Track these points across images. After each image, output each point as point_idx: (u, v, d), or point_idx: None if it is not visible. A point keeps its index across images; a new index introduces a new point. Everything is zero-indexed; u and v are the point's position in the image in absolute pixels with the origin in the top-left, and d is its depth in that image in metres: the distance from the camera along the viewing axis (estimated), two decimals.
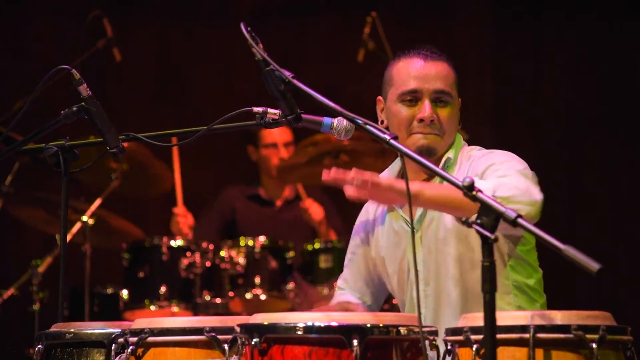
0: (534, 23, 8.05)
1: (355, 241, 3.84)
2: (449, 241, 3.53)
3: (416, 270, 3.03)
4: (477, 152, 3.63)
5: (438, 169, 2.99)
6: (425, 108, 3.58)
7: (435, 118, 3.58)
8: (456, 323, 3.06)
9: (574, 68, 7.97)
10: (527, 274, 3.57)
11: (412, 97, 3.60)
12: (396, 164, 3.74)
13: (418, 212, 3.61)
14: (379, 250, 3.73)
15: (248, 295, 6.43)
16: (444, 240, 3.55)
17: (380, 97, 3.73)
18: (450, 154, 3.62)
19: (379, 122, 3.71)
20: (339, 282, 3.89)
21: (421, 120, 3.58)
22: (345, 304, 3.74)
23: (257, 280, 6.46)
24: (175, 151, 6.97)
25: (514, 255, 3.54)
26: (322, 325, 2.92)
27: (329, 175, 3.21)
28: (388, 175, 3.73)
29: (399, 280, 3.67)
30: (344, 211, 7.81)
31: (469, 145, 3.72)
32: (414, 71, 3.62)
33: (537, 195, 3.30)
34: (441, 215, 3.56)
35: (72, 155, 3.72)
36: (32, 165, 6.40)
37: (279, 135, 7.10)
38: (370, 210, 3.82)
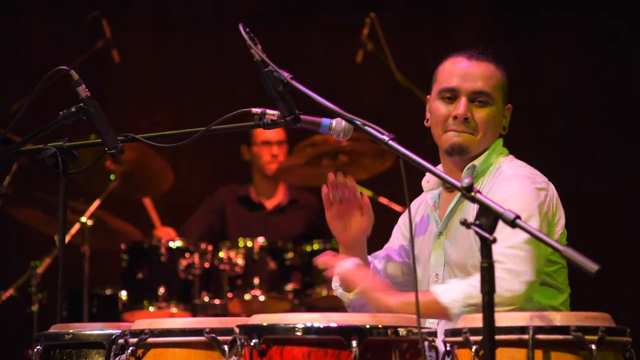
0: (534, 23, 8.05)
1: (398, 232, 3.86)
2: (472, 249, 3.51)
3: (414, 271, 3.03)
4: (505, 168, 3.59)
5: (434, 169, 3.00)
6: (461, 105, 3.58)
7: (469, 116, 3.57)
8: None
9: (574, 68, 7.97)
10: (551, 296, 3.53)
11: (451, 95, 3.61)
12: (440, 168, 3.69)
13: (445, 213, 3.62)
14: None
15: (247, 296, 6.43)
16: (466, 248, 3.54)
17: (428, 96, 3.73)
18: (477, 161, 3.61)
19: (425, 120, 3.71)
20: (378, 255, 3.87)
21: (455, 118, 3.58)
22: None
23: (256, 281, 6.46)
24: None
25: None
26: (321, 326, 2.91)
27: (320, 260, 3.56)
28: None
29: (423, 280, 3.67)
30: None
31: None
32: (456, 69, 3.62)
33: (518, 283, 3.28)
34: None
35: (70, 156, 3.72)
36: (30, 166, 6.40)
37: (271, 133, 7.10)
38: (417, 204, 3.83)
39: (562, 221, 3.55)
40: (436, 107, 3.63)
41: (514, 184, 3.49)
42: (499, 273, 3.24)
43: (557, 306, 3.54)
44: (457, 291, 3.31)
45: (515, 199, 3.40)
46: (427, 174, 3.72)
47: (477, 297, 3.23)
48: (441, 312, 3.32)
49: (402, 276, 3.79)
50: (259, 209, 7.23)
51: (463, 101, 3.58)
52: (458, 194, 3.60)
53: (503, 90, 3.65)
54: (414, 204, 3.85)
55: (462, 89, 3.60)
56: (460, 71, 3.62)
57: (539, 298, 3.49)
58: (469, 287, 3.29)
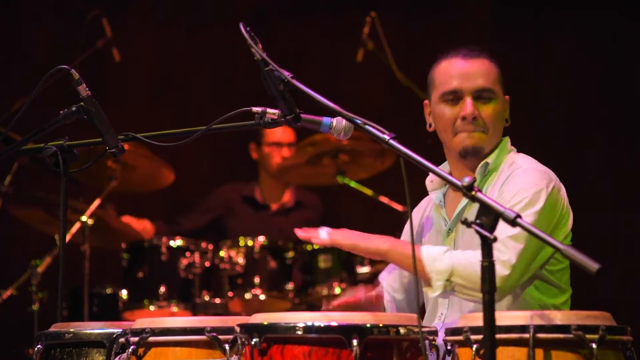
0: (534, 22, 8.05)
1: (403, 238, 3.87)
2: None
3: (415, 270, 3.03)
4: (520, 161, 3.62)
5: (436, 168, 3.00)
6: (467, 105, 3.58)
7: (477, 115, 3.58)
8: None
9: (574, 67, 7.96)
10: (553, 295, 3.54)
11: (454, 97, 3.61)
12: (445, 166, 3.73)
13: (455, 212, 3.63)
14: None
15: (247, 296, 6.43)
16: (476, 244, 3.53)
17: (426, 101, 3.73)
18: (490, 159, 3.62)
19: (427, 126, 3.71)
20: (382, 275, 3.90)
21: (464, 118, 3.58)
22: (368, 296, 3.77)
23: (257, 280, 6.45)
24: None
25: (538, 276, 3.50)
26: (322, 325, 2.92)
27: (300, 234, 3.53)
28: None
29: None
30: (341, 214, 7.82)
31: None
32: (454, 70, 3.62)
33: (502, 266, 3.28)
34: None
35: (71, 155, 3.72)
36: (31, 165, 6.40)
37: (283, 134, 7.11)
38: (422, 209, 3.84)
39: (570, 224, 3.56)
40: (441, 112, 3.63)
41: (528, 175, 3.52)
42: (459, 279, 3.27)
43: (558, 305, 3.55)
44: (445, 262, 3.34)
45: (525, 187, 3.43)
46: (431, 174, 3.73)
47: (462, 278, 3.28)
48: (425, 276, 3.34)
49: (405, 284, 3.82)
50: (264, 209, 7.23)
51: (469, 101, 3.59)
52: None
53: (501, 82, 3.67)
54: (420, 207, 3.86)
55: (465, 89, 3.60)
56: (459, 71, 3.62)
57: (541, 296, 3.50)
58: (458, 263, 3.30)
